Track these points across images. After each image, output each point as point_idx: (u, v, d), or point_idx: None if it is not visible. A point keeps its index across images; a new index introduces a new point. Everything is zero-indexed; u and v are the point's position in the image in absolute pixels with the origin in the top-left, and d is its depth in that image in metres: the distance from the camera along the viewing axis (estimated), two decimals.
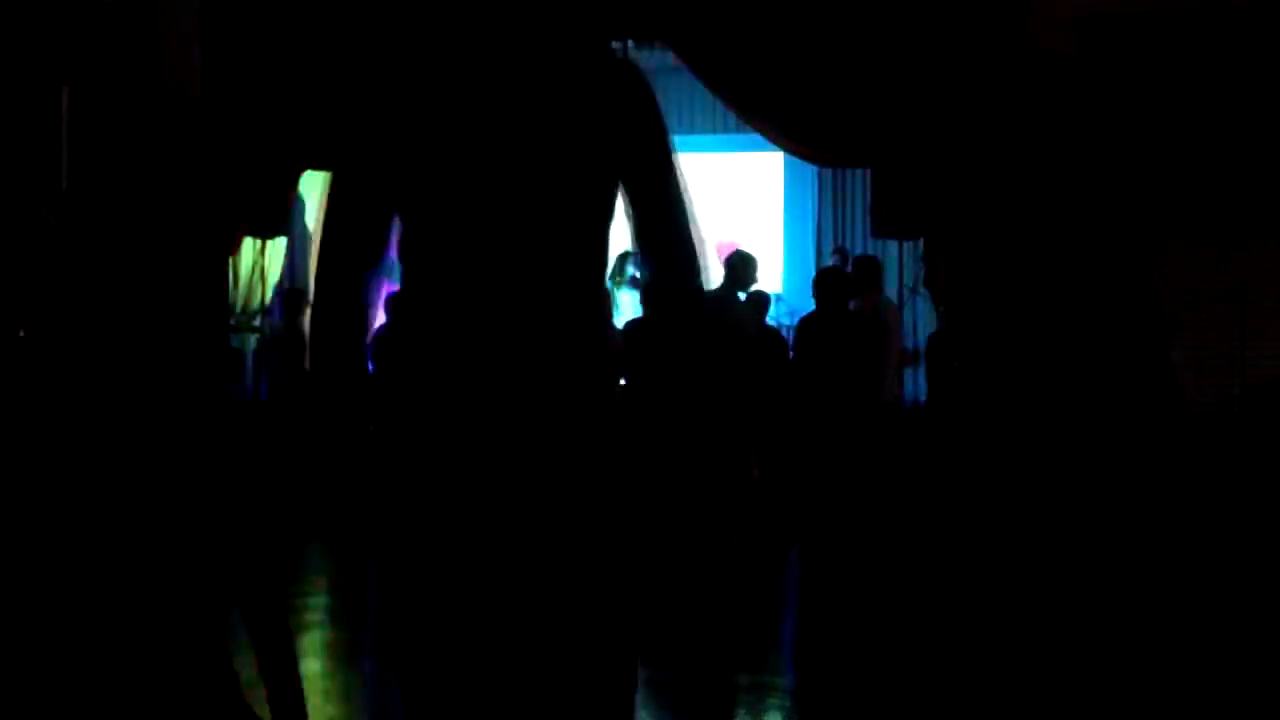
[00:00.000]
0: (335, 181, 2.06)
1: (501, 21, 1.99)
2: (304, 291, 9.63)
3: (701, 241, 2.12)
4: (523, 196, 1.95)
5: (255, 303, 9.61)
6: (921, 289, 8.77)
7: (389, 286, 2.75)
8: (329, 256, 2.05)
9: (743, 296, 7.44)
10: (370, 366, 2.13)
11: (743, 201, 11.37)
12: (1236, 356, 7.11)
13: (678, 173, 2.09)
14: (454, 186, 1.96)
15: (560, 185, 1.96)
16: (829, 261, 9.87)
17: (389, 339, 2.19)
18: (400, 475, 2.03)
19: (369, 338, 2.10)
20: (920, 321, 9.63)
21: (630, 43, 9.48)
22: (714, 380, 6.54)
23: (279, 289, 9.72)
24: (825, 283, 7.50)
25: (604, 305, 2.09)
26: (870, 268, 8.27)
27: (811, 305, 7.65)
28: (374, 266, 2.06)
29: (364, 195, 2.02)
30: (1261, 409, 7.05)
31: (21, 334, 2.69)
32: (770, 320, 8.52)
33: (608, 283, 2.12)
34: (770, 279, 10.67)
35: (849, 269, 8.75)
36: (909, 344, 9.10)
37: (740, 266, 7.33)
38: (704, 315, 2.16)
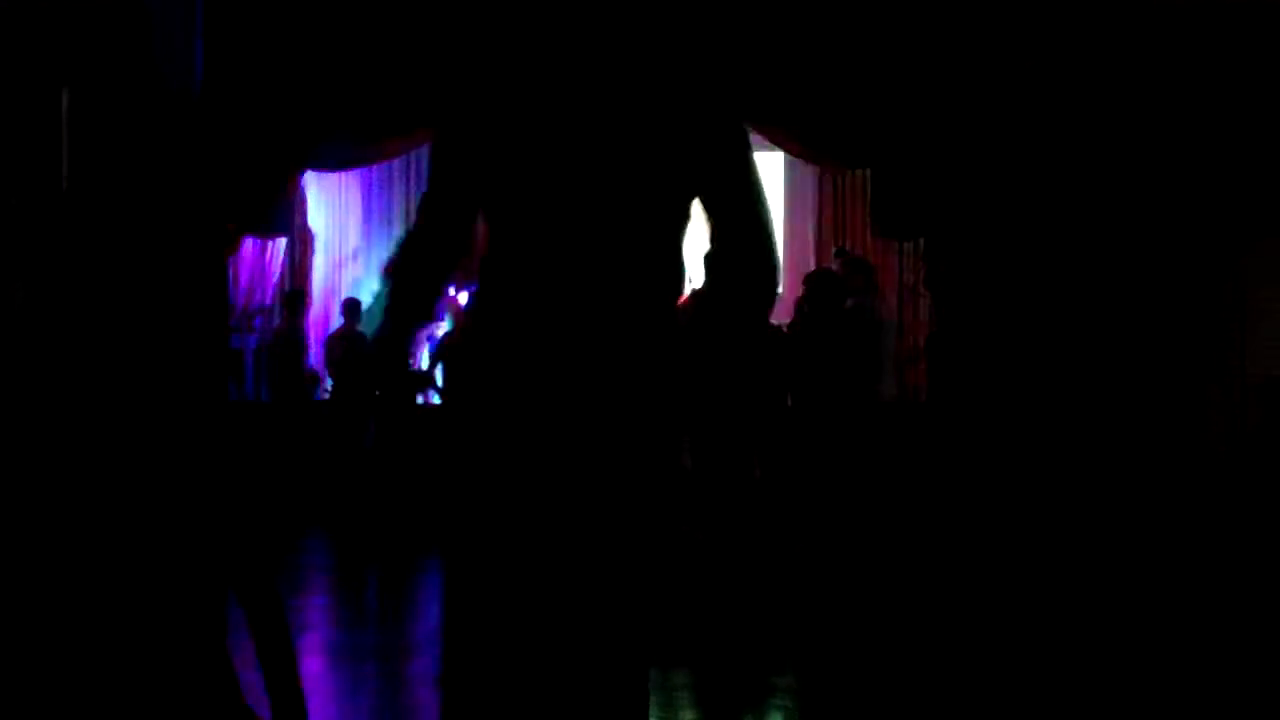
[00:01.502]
0: (430, 178, 2.11)
1: (591, 34, 1.99)
2: (304, 292, 9.64)
3: (774, 253, 2.10)
4: (602, 201, 1.96)
5: (255, 303, 9.62)
6: (922, 289, 8.78)
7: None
8: (418, 241, 2.12)
9: None
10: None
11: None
12: (1236, 356, 7.11)
13: (757, 185, 2.07)
14: (535, 189, 1.98)
15: (639, 191, 1.98)
16: (833, 263, 9.89)
17: (464, 336, 2.23)
18: (468, 465, 2.07)
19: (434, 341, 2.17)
20: (920, 322, 9.64)
21: None
22: (730, 381, 6.57)
23: (280, 289, 9.73)
24: (818, 284, 7.51)
25: (675, 309, 2.08)
26: (863, 269, 8.29)
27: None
28: (455, 257, 2.13)
29: (453, 192, 2.07)
30: (1261, 409, 7.05)
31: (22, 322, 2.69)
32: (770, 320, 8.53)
33: None
34: None
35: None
36: (909, 344, 9.11)
37: None
38: (764, 327, 2.22)
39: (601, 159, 1.95)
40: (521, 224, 1.99)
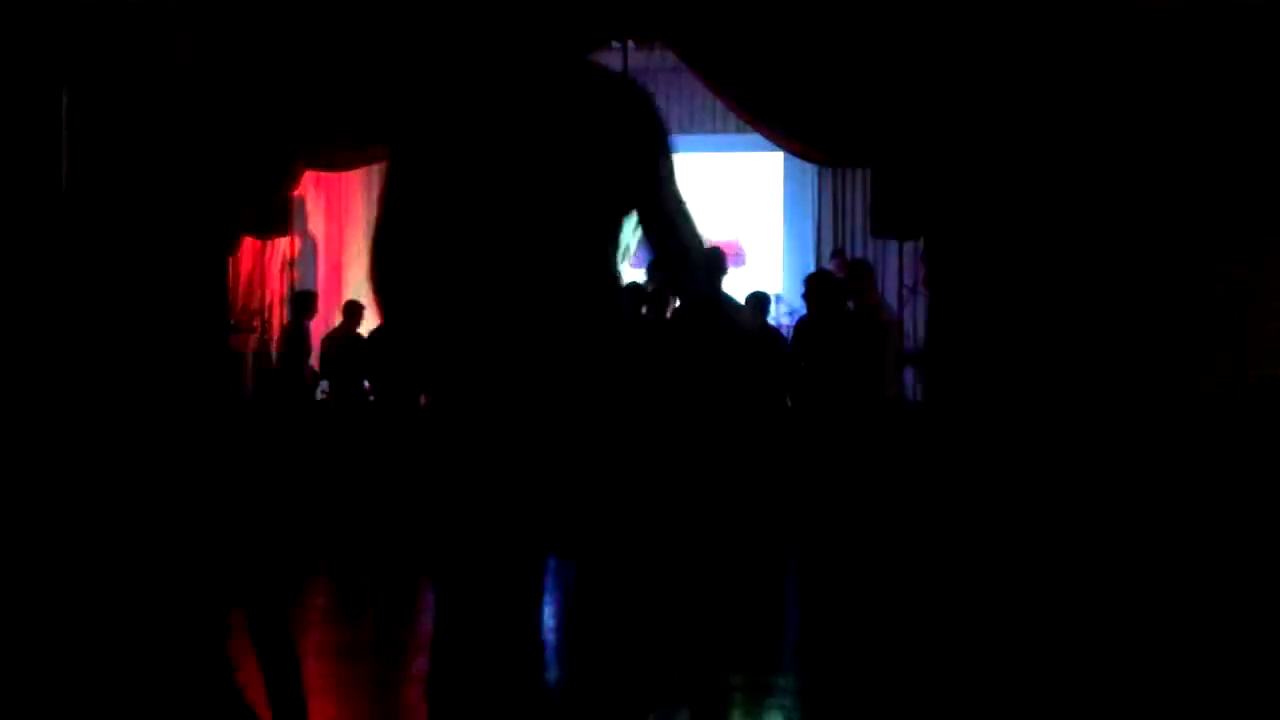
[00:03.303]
0: (385, 186, 2.18)
1: (511, 45, 2.14)
2: (312, 293, 9.64)
3: (698, 245, 2.27)
4: (534, 204, 2.09)
5: (255, 303, 9.61)
6: (921, 289, 8.78)
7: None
8: (385, 251, 2.16)
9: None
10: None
11: (743, 201, 11.36)
12: (1236, 356, 7.11)
13: (674, 182, 2.24)
14: (473, 197, 2.10)
15: (567, 193, 2.11)
16: (829, 264, 9.90)
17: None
18: (435, 459, 2.15)
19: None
20: (920, 321, 9.65)
21: (631, 43, 9.49)
22: (712, 379, 6.57)
23: (289, 289, 9.72)
24: (816, 286, 7.53)
25: (615, 298, 2.21)
26: (864, 270, 8.30)
27: None
28: (423, 256, 2.17)
29: (411, 198, 2.15)
30: (1261, 409, 7.05)
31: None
32: (769, 320, 8.53)
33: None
34: (770, 279, 10.68)
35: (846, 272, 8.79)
36: (909, 344, 9.11)
37: (719, 262, 7.34)
38: (707, 313, 2.33)
39: (536, 179, 2.10)
40: (467, 240, 2.12)
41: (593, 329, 2.13)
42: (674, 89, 10.39)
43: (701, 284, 2.37)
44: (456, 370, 2.12)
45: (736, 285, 8.55)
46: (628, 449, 2.15)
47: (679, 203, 2.26)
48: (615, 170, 2.14)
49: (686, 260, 2.27)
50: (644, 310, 7.34)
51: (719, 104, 9.65)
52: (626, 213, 2.20)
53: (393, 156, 2.18)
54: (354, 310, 8.85)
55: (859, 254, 10.01)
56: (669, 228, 2.25)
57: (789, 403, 7.55)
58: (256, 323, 9.56)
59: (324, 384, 8.92)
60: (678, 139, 2.28)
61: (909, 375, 9.00)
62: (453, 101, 2.11)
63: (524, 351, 2.08)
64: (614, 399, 2.13)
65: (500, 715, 2.09)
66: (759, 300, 7.82)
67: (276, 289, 9.83)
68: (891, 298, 9.28)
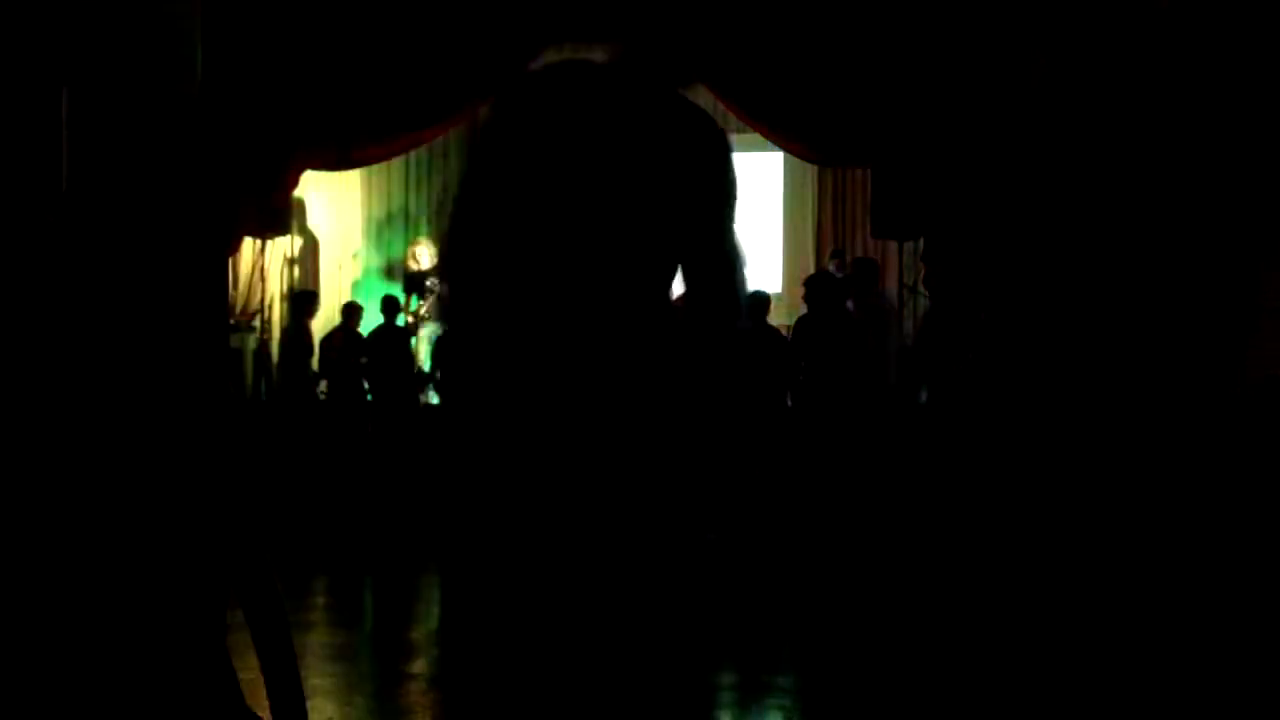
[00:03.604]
0: (458, 201, 2.24)
1: (588, 75, 2.22)
2: (312, 293, 9.64)
3: (740, 288, 2.31)
4: (598, 229, 2.15)
5: (255, 303, 9.62)
6: (921, 289, 8.79)
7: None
8: (458, 252, 2.23)
9: None
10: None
11: (743, 201, 11.36)
12: (1236, 356, 7.11)
13: (732, 233, 2.32)
14: (542, 218, 2.15)
15: (631, 219, 2.16)
16: (830, 264, 9.91)
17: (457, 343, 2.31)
18: (469, 468, 2.20)
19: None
20: (920, 322, 9.66)
21: None
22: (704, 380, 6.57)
23: (291, 289, 9.72)
24: (815, 286, 7.55)
25: (667, 319, 2.25)
26: (867, 269, 8.30)
27: None
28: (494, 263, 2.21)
29: (484, 211, 2.20)
30: (1261, 409, 7.05)
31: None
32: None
33: None
34: (770, 279, 10.67)
35: (847, 271, 8.79)
36: (909, 344, 9.12)
37: (764, 305, 7.50)
38: (733, 347, 2.34)
39: (603, 210, 2.15)
40: (532, 258, 2.16)
41: (640, 352, 2.16)
42: None
43: (736, 335, 2.36)
44: (511, 378, 2.14)
45: None
46: (662, 460, 2.17)
47: (733, 257, 2.30)
48: (676, 212, 2.20)
49: (731, 310, 2.28)
50: None
51: (719, 104, 9.65)
52: (681, 251, 2.23)
53: (470, 164, 2.23)
54: (354, 310, 8.86)
55: (859, 254, 10.01)
56: (717, 283, 2.27)
57: (789, 402, 7.55)
58: (256, 323, 9.57)
59: (324, 384, 8.93)
60: None
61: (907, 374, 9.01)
62: (537, 120, 2.17)
63: (573, 367, 2.11)
64: (655, 414, 2.16)
65: (510, 712, 2.09)
66: (758, 301, 7.82)
67: (276, 289, 9.83)
68: (892, 298, 9.29)
